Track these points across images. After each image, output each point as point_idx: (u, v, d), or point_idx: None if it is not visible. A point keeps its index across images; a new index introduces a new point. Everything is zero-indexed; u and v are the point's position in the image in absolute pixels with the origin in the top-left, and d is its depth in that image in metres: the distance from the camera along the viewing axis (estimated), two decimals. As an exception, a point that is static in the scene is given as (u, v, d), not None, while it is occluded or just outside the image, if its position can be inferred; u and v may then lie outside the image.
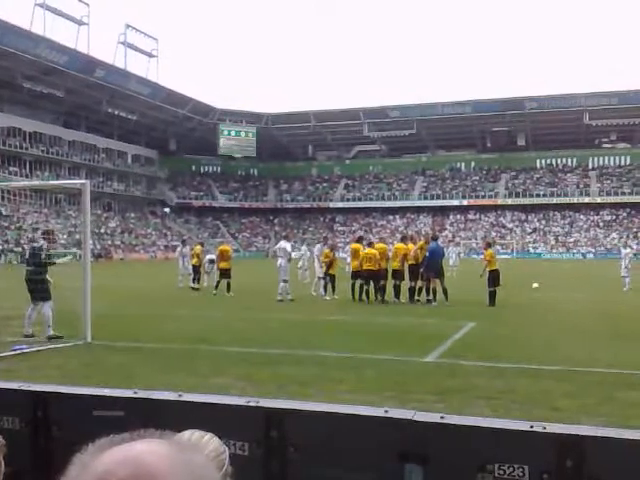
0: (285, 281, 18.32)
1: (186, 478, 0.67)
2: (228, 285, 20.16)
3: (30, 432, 3.37)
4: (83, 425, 3.14)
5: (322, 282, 19.26)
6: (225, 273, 20.45)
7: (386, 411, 2.94)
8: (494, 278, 17.20)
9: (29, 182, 49.84)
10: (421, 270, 17.41)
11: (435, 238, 18.87)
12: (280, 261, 18.48)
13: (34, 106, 68.72)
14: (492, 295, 16.98)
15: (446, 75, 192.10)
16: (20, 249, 53.28)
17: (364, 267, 17.77)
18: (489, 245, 18.79)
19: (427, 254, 17.42)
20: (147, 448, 0.69)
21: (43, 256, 11.25)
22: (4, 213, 53.16)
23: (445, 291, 16.92)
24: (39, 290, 11.01)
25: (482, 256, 19.18)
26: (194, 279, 23.03)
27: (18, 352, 9.40)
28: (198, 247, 24.08)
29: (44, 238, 12.14)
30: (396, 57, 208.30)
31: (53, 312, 11.00)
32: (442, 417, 2.86)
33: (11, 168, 64.52)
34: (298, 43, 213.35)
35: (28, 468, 2.81)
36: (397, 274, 17.83)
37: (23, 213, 61.18)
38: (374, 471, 2.84)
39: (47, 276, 11.20)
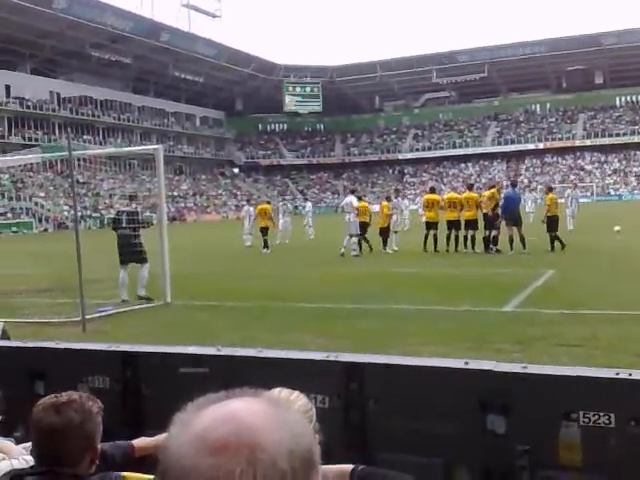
0: (355, 235, 18.20)
1: (283, 434, 0.68)
2: (265, 242, 20.69)
3: (120, 390, 3.51)
4: (170, 382, 3.24)
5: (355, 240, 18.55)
6: (263, 231, 21.20)
7: (466, 362, 2.91)
8: (551, 223, 16.82)
9: (104, 149, 51.34)
10: (499, 219, 17.00)
11: (514, 184, 18.51)
12: (348, 216, 18.36)
13: (103, 74, 70.35)
14: (551, 240, 16.64)
15: (516, 15, 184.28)
16: (98, 215, 55.29)
17: (447, 217, 17.61)
18: (550, 190, 18.36)
19: (502, 201, 17.03)
20: (245, 406, 0.70)
21: (140, 219, 11.50)
22: (81, 180, 55.06)
23: (523, 239, 16.40)
24: (138, 252, 11.15)
25: (543, 201, 18.77)
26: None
27: (103, 314, 9.80)
28: (267, 206, 24.15)
29: (131, 202, 12.33)
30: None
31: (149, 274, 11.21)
32: (524, 367, 2.81)
33: (85, 136, 66.58)
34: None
35: (119, 425, 2.93)
36: (470, 224, 17.49)
37: (99, 179, 63.27)
38: (455, 422, 2.83)
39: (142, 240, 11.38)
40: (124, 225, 11.29)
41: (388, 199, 19.71)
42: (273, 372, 2.90)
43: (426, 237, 18.04)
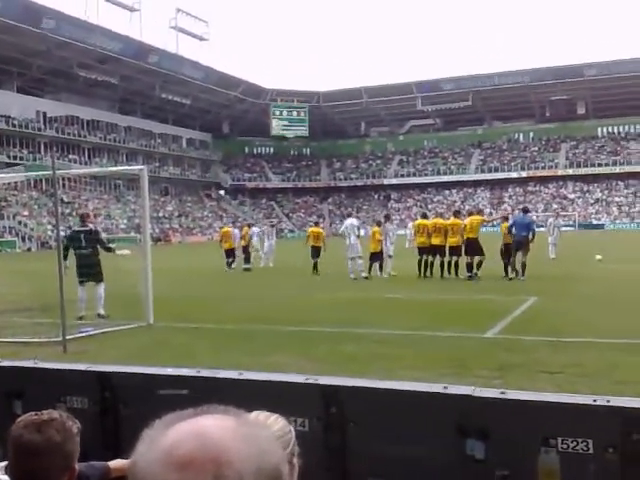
0: (359, 257, 18.26)
1: (250, 451, 0.68)
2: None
3: (98, 411, 3.48)
4: (148, 404, 3.22)
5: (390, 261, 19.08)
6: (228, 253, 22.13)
7: (445, 387, 2.93)
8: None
9: (89, 169, 51.15)
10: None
11: (525, 210, 18.87)
12: (350, 238, 18.41)
13: (90, 94, 70.36)
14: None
15: (500, 45, 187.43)
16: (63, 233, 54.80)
17: (432, 242, 17.75)
18: (505, 219, 18.93)
19: (510, 225, 17.49)
20: (212, 422, 0.70)
21: (100, 239, 11.66)
22: (66, 200, 54.78)
23: (523, 266, 16.56)
24: (96, 272, 11.37)
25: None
26: (245, 259, 23.31)
27: (85, 335, 9.71)
28: (246, 228, 24.37)
29: (84, 221, 12.17)
30: (448, 29, 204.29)
31: (105, 293, 11.41)
32: (502, 392, 2.83)
33: (70, 156, 66.34)
34: (347, 19, 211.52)
35: (97, 446, 2.91)
36: (455, 250, 17.61)
37: (84, 199, 62.90)
38: (435, 447, 2.83)
39: (100, 259, 11.55)
40: (83, 244, 11.43)
41: (379, 224, 19.81)
42: (253, 394, 2.90)
43: (419, 262, 18.12)
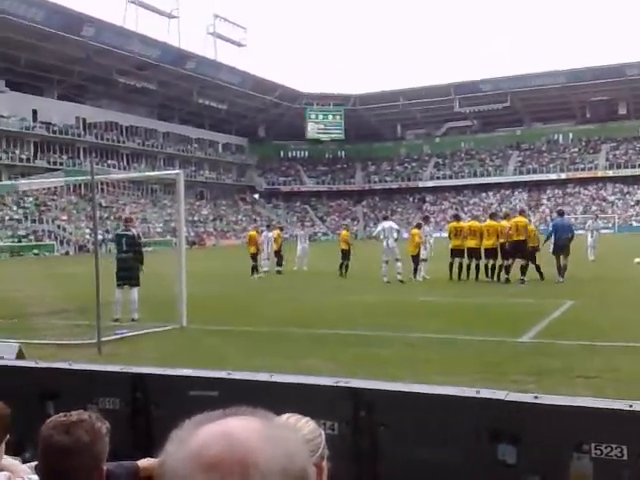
0: (398, 260, 17.95)
1: (278, 453, 0.69)
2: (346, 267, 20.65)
3: (130, 412, 3.52)
4: (180, 405, 3.25)
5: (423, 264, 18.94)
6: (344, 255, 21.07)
7: (478, 392, 2.89)
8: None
9: (126, 174, 52.00)
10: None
11: (561, 213, 18.75)
12: (388, 241, 18.11)
13: (129, 100, 71.52)
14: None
15: (540, 45, 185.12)
16: (109, 236, 55.86)
17: (467, 245, 17.58)
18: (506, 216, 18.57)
19: (550, 230, 17.56)
20: (241, 424, 0.71)
21: (139, 245, 11.78)
22: (104, 204, 55.73)
23: (565, 268, 16.44)
24: (132, 277, 11.48)
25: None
26: (278, 263, 23.31)
27: (119, 337, 9.84)
28: (277, 232, 24.40)
29: (127, 225, 12.39)
30: (486, 30, 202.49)
31: (139, 298, 11.54)
32: (536, 397, 2.78)
33: (109, 161, 67.47)
34: (384, 21, 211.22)
35: (128, 447, 2.94)
36: (490, 253, 17.42)
37: (122, 204, 63.94)
38: (466, 451, 2.80)
39: (139, 264, 11.67)
40: (124, 248, 11.59)
41: (419, 226, 19.64)
42: (283, 397, 2.90)
43: (451, 265, 17.98)
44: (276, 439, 0.71)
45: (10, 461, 2.32)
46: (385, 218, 20.27)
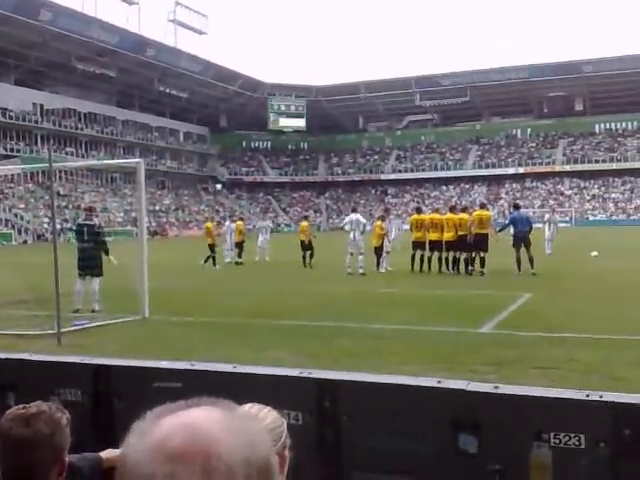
0: (362, 254, 17.92)
1: (240, 444, 0.69)
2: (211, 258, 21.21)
3: (92, 404, 3.48)
4: (143, 396, 3.22)
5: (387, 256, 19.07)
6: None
7: (439, 382, 2.93)
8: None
9: (85, 162, 50.94)
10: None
11: (517, 207, 18.99)
12: (354, 234, 18.17)
13: (88, 87, 70.14)
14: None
15: (499, 41, 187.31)
16: (68, 225, 54.84)
17: (429, 237, 17.81)
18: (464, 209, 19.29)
19: (507, 222, 17.87)
20: (202, 415, 0.71)
21: (102, 235, 11.60)
22: (62, 193, 54.68)
23: (531, 260, 16.64)
24: (94, 266, 11.32)
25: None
26: (239, 254, 23.31)
27: (79, 327, 9.70)
28: (240, 223, 24.46)
29: (88, 215, 12.15)
30: (447, 24, 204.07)
31: (100, 288, 11.40)
32: (496, 387, 2.84)
33: (67, 149, 66.14)
34: (346, 14, 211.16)
35: (90, 439, 2.91)
36: (451, 245, 17.65)
37: (80, 192, 62.76)
38: (428, 441, 2.84)
39: (102, 253, 11.51)
40: (86, 238, 11.40)
41: (382, 219, 19.78)
42: (247, 388, 2.90)
43: (413, 257, 18.15)
44: (238, 429, 0.70)
45: None
46: (354, 210, 20.29)
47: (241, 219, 26.04)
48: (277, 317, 10.40)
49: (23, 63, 63.91)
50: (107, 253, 11.60)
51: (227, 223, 24.68)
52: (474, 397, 2.81)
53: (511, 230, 17.53)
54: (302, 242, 21.28)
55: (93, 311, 11.17)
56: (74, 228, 12.38)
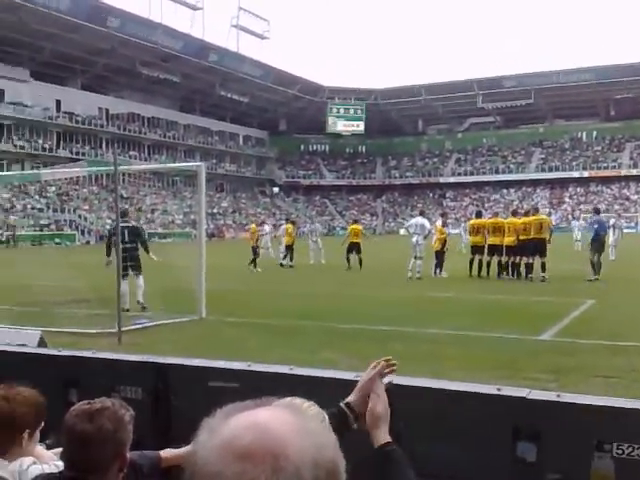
0: (420, 258, 17.76)
1: (308, 444, 0.69)
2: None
3: (151, 402, 3.54)
4: (200, 395, 3.26)
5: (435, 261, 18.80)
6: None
7: (499, 389, 2.88)
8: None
9: (148, 165, 52.23)
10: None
11: (597, 211, 18.75)
12: (416, 238, 17.96)
13: (152, 92, 71.89)
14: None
15: (565, 42, 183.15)
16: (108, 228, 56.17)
17: (489, 241, 17.51)
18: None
19: (596, 227, 17.50)
20: (271, 415, 0.72)
21: (143, 235, 12.44)
22: (125, 195, 56.16)
23: (599, 265, 16.37)
24: (136, 265, 11.93)
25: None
26: (286, 256, 23.29)
27: (139, 326, 9.93)
28: (289, 225, 24.54)
29: (124, 218, 12.73)
30: (511, 25, 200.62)
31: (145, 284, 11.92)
32: (558, 395, 2.77)
33: (131, 152, 67.96)
34: (407, 17, 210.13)
35: (148, 437, 2.96)
36: (511, 250, 17.29)
37: (142, 195, 64.38)
38: (486, 449, 2.79)
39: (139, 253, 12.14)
40: (126, 240, 11.85)
41: (444, 223, 19.53)
42: (303, 390, 2.90)
43: (471, 262, 17.88)
44: (307, 431, 0.71)
45: (37, 447, 2.36)
46: (421, 213, 20.12)
47: (292, 222, 26.09)
48: (331, 320, 10.39)
49: (90, 69, 65.99)
50: (147, 251, 12.10)
51: (283, 226, 24.97)
52: (535, 405, 2.75)
53: (592, 234, 17.30)
54: (351, 244, 21.51)
55: (139, 302, 11.67)
56: (110, 231, 13.13)
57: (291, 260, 23.23)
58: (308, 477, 0.67)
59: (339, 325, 9.92)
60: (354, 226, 22.60)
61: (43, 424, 2.30)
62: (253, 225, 23.84)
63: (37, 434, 2.21)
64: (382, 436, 1.82)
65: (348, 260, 21.20)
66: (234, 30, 78.62)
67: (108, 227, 14.57)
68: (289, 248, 23.34)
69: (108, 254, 12.07)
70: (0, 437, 2.14)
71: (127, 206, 56.18)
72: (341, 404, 1.87)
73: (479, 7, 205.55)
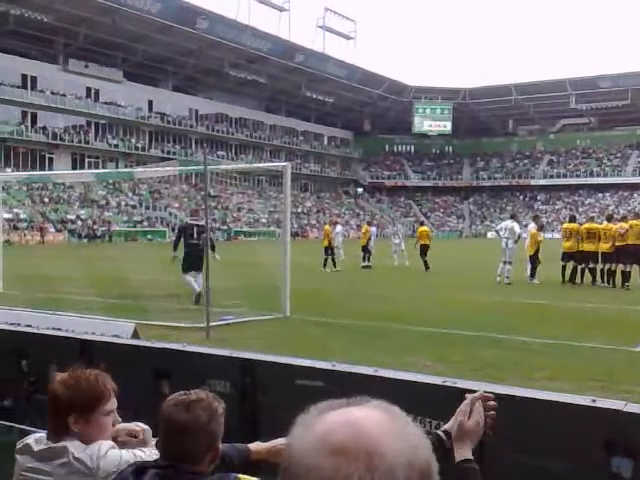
0: (509, 263, 17.25)
1: (403, 445, 0.70)
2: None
3: (239, 396, 3.61)
4: (285, 392, 3.29)
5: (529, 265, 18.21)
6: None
7: (594, 400, 2.77)
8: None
9: (237, 165, 53.33)
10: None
11: None
12: (507, 241, 17.51)
13: (239, 93, 73.43)
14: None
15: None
16: (226, 227, 57.34)
17: (584, 248, 16.77)
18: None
19: None
20: (365, 414, 0.73)
21: (206, 235, 12.54)
22: (212, 194, 57.64)
23: None
24: (200, 263, 11.99)
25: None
26: (364, 258, 23.37)
27: (226, 322, 10.13)
28: (365, 227, 24.64)
29: (194, 216, 13.38)
30: (606, 23, 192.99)
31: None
32: None
33: (219, 152, 69.64)
34: (496, 14, 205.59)
35: (236, 430, 3.00)
36: (608, 256, 16.56)
37: (229, 194, 65.85)
38: (579, 462, 2.69)
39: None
40: (195, 236, 12.29)
41: (541, 227, 18.94)
42: (387, 392, 2.87)
43: (564, 268, 17.28)
44: (401, 432, 0.72)
45: (146, 428, 2.41)
46: (512, 217, 19.50)
47: (368, 223, 26.28)
48: (416, 323, 10.25)
49: (180, 70, 68.07)
50: (214, 250, 12.25)
51: (372, 228, 25.00)
52: (631, 419, 2.62)
53: None
54: (423, 246, 22.16)
55: (196, 299, 11.94)
56: (180, 228, 13.77)
57: (365, 260, 23.26)
58: (402, 477, 0.68)
59: (424, 328, 9.77)
60: (423, 228, 23.33)
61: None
62: (327, 226, 24.01)
63: (101, 420, 2.20)
64: (465, 452, 1.76)
65: (425, 262, 21.64)
66: (320, 31, 79.26)
67: (179, 224, 15.20)
68: (364, 249, 23.47)
69: (175, 249, 12.60)
70: (49, 420, 2.19)
71: (214, 204, 57.76)
72: (438, 431, 1.84)
73: (574, 3, 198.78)
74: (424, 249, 22.13)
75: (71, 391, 2.15)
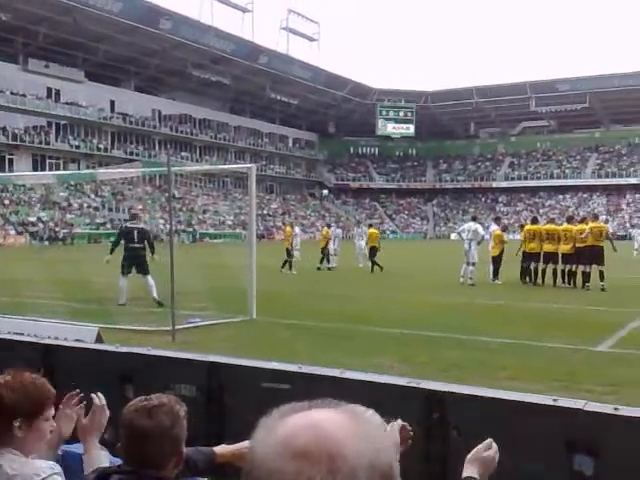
0: (472, 264, 17.52)
1: (365, 447, 0.70)
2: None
3: (205, 400, 3.59)
4: (251, 395, 3.29)
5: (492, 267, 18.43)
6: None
7: (555, 400, 2.82)
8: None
9: (201, 166, 52.92)
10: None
11: None
12: (470, 243, 17.71)
13: (203, 94, 72.85)
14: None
15: (622, 45, 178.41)
16: (191, 229, 56.84)
17: (544, 249, 17.12)
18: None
19: None
20: (327, 416, 0.73)
21: (149, 237, 12.78)
22: (177, 195, 57.09)
23: None
24: (143, 265, 12.33)
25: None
26: (322, 259, 23.53)
27: (192, 325, 10.07)
28: (325, 229, 25.11)
29: (134, 220, 13.45)
30: (565, 27, 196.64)
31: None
32: (616, 408, 2.70)
33: (183, 153, 69.01)
34: (458, 17, 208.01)
35: (202, 433, 2.99)
36: (568, 257, 16.89)
37: (194, 195, 65.32)
38: (541, 461, 2.74)
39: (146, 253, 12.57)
40: (135, 240, 12.38)
41: (504, 228, 19.22)
42: (353, 394, 2.89)
43: (525, 269, 17.54)
44: (363, 434, 0.71)
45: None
46: (473, 219, 19.75)
47: (328, 225, 26.67)
48: (381, 324, 10.32)
49: (143, 70, 67.22)
50: (153, 252, 12.43)
51: (333, 229, 25.13)
52: (592, 417, 2.68)
53: None
54: (372, 248, 22.47)
55: (154, 299, 11.93)
56: (120, 231, 13.74)
57: (323, 262, 23.35)
58: (363, 479, 0.67)
59: (389, 330, 9.85)
60: (371, 230, 23.60)
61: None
62: (288, 227, 24.07)
63: (42, 425, 2.11)
64: (470, 471, 1.90)
65: (376, 264, 21.83)
66: (284, 32, 79.21)
67: (119, 228, 15.35)
68: (322, 251, 23.60)
69: (111, 253, 12.61)
70: None
71: (179, 206, 57.27)
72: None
73: (532, 8, 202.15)
74: (373, 251, 22.41)
75: (18, 394, 2.05)
